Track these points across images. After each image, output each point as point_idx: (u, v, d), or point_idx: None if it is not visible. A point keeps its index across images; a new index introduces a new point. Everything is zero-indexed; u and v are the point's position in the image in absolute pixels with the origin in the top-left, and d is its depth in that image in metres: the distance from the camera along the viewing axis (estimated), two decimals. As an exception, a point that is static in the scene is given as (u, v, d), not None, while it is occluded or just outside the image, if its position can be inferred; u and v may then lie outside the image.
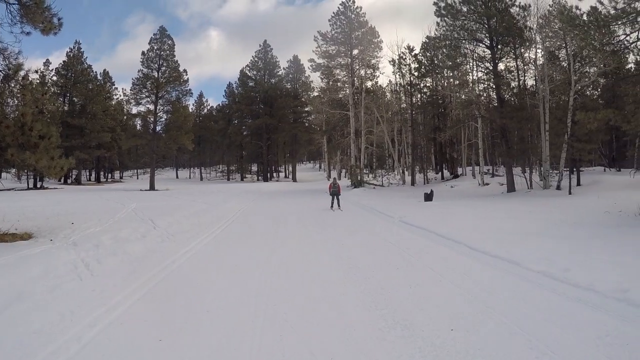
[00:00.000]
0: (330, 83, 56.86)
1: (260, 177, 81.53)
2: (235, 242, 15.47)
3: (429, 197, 29.60)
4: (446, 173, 53.16)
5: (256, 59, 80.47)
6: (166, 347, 6.19)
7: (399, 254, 12.76)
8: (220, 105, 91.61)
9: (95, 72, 73.75)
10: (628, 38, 19.80)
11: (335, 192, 26.80)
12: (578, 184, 32.67)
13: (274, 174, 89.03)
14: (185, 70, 60.31)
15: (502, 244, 13.05)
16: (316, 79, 75.97)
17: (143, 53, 58.77)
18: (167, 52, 59.46)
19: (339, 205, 26.50)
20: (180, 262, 11.90)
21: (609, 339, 6.28)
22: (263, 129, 76.42)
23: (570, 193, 28.35)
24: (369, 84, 52.34)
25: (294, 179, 76.76)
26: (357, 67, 52.17)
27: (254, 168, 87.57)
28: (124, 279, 9.75)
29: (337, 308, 7.89)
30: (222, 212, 24.91)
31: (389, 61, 55.10)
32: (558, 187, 30.93)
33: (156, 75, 57.86)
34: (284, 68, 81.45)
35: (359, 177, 46.05)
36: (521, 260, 11.01)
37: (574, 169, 33.88)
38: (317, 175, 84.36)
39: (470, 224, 17.80)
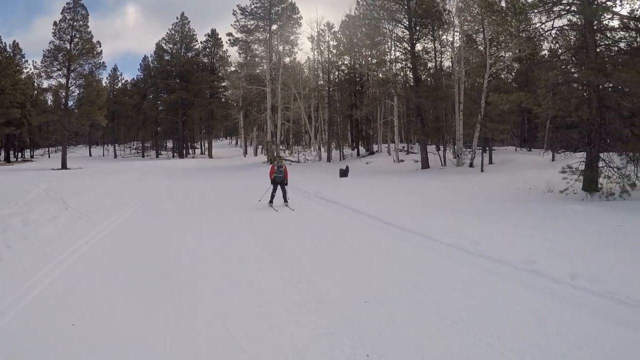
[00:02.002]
0: (248, 58, 56.29)
1: (175, 154, 79.81)
2: (149, 220, 15.24)
3: (344, 173, 29.79)
4: (362, 150, 53.39)
5: (173, 32, 78.04)
6: (79, 332, 6.01)
7: (313, 228, 13.18)
8: (135, 79, 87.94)
9: (4, 43, 69.84)
10: (543, 26, 20.43)
11: (281, 179, 18.13)
12: (490, 162, 33.61)
13: (190, 151, 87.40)
14: (99, 42, 57.55)
15: (414, 218, 13.35)
16: (234, 54, 74.90)
17: (55, 23, 55.67)
18: (81, 22, 56.58)
19: (285, 200, 17.93)
20: (93, 242, 11.57)
21: (518, 307, 6.55)
22: (179, 104, 74.57)
23: (482, 170, 29.20)
24: (287, 60, 52.14)
25: (210, 156, 75.45)
26: (276, 43, 51.85)
27: (170, 145, 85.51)
28: (35, 262, 9.37)
29: (253, 283, 7.97)
30: (136, 191, 24.24)
31: (308, 38, 55.03)
32: (471, 165, 31.81)
33: (68, 47, 55.07)
34: (201, 42, 79.52)
35: (275, 154, 45.84)
36: (433, 234, 11.33)
37: (487, 148, 34.69)
38: (234, 152, 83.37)
39: (384, 199, 18.19)
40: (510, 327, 5.88)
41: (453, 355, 5.24)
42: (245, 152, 72.19)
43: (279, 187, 18.17)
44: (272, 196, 17.99)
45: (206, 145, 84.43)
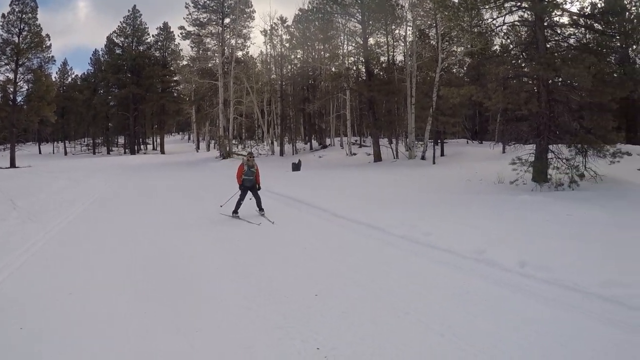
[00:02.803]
0: (201, 52, 55.74)
1: (127, 150, 78.42)
2: (99, 219, 14.90)
3: (296, 167, 29.79)
4: (315, 144, 53.18)
5: (124, 25, 76.22)
6: (27, 335, 5.84)
7: (263, 223, 13.12)
8: (86, 74, 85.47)
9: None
10: (495, 22, 20.68)
11: (252, 183, 14.61)
12: (442, 154, 33.70)
13: (142, 147, 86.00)
14: (48, 36, 55.74)
15: (366, 211, 13.39)
16: (186, 48, 73.83)
17: (3, 16, 53.78)
18: (30, 15, 54.69)
19: (260, 208, 14.45)
20: (42, 243, 11.23)
21: (468, 296, 6.66)
22: (130, 99, 73.08)
23: (434, 163, 29.31)
24: (239, 54, 51.68)
25: (162, 152, 74.39)
26: (228, 37, 51.34)
27: (121, 141, 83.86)
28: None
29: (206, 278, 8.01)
30: (85, 190, 23.52)
31: (261, 32, 54.52)
32: (423, 158, 31.84)
33: (17, 41, 53.51)
34: (153, 36, 78.00)
35: (227, 148, 45.46)
36: (384, 226, 11.41)
37: (439, 141, 34.91)
38: (186, 147, 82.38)
39: (336, 192, 18.14)
40: (460, 316, 5.94)
41: (405, 345, 5.25)
42: (198, 148, 71.59)
43: (248, 192, 14.37)
44: (239, 204, 14.04)
45: (158, 141, 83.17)
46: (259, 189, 14.82)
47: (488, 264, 8.11)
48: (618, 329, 5.57)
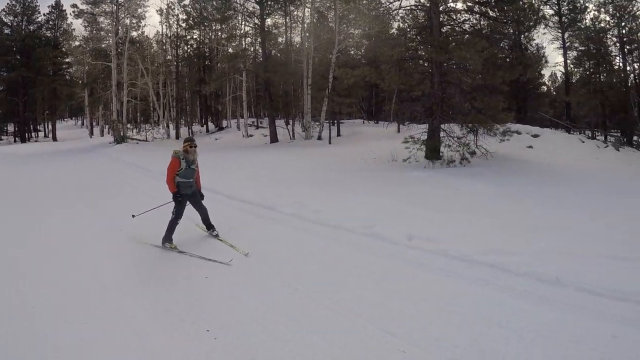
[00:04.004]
0: (94, 32, 53.80)
1: (17, 139, 74.84)
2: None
3: (192, 150, 29.08)
4: (211, 126, 52.25)
5: (14, 3, 72.74)
6: None
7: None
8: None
9: None
10: (392, 5, 20.91)
11: (192, 188, 8.95)
12: (338, 134, 34.07)
13: (33, 134, 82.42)
14: None
15: (258, 191, 13.38)
16: (79, 27, 71.04)
17: None
18: None
19: (208, 225, 9.17)
20: None
21: (357, 270, 6.75)
22: (19, 83, 69.82)
23: (330, 143, 29.34)
24: (134, 34, 50.05)
25: (55, 139, 71.49)
26: (123, 16, 49.68)
27: (11, 128, 79.85)
28: None
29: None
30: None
31: (157, 11, 53.13)
32: (319, 138, 31.89)
33: None
34: (44, 14, 74.54)
35: (121, 133, 44.09)
36: (276, 205, 11.35)
37: (335, 121, 35.24)
38: (80, 133, 79.48)
39: (231, 174, 17.90)
40: (349, 290, 6.04)
41: (293, 321, 5.29)
42: (92, 133, 69.13)
43: (188, 204, 8.86)
44: (174, 226, 8.47)
45: (50, 127, 79.89)
46: (202, 197, 9.24)
47: (377, 239, 8.14)
48: (505, 294, 5.81)
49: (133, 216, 9.10)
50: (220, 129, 49.40)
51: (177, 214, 8.52)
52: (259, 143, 34.20)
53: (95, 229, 9.90)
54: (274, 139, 33.71)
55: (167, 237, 8.38)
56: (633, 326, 4.90)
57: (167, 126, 49.13)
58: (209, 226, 9.12)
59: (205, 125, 52.26)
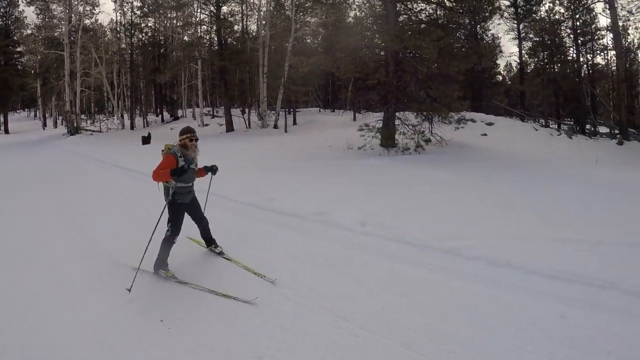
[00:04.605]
0: (47, 19, 52.67)
1: (-32, 133, 72.74)
2: None
3: (146, 140, 28.92)
4: (166, 115, 51.51)
5: (-38, -10, 71.02)
6: None
7: (112, 197, 12.36)
8: None
9: None
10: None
11: (191, 194, 7.07)
12: (294, 123, 33.97)
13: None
14: None
15: (213, 181, 13.10)
16: (31, 15, 69.43)
17: None
18: None
19: (210, 241, 7.23)
20: None
21: (311, 257, 6.81)
22: (-31, 75, 68.25)
23: (286, 131, 29.24)
24: (87, 21, 49.15)
25: (7, 131, 69.88)
26: (76, 3, 48.74)
27: (-37, 123, 77.59)
28: None
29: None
30: None
31: (111, -2, 52.36)
32: (275, 126, 31.74)
33: None
34: (-6, 2, 73.10)
35: (75, 124, 43.28)
36: (230, 194, 11.27)
37: (291, 110, 35.13)
38: (33, 125, 77.96)
39: None
40: (303, 276, 6.07)
41: (250, 306, 5.32)
42: (45, 125, 67.78)
43: (186, 214, 6.88)
44: (169, 245, 6.43)
45: (2, 119, 78.05)
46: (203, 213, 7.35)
47: (330, 225, 8.18)
48: (457, 278, 5.89)
49: (129, 290, 5.68)
50: (176, 119, 48.75)
51: (174, 229, 6.46)
52: (215, 132, 33.93)
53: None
54: (229, 128, 33.45)
55: (161, 262, 6.34)
56: (581, 307, 5.05)
57: (122, 116, 48.32)
58: (210, 241, 7.27)
59: (160, 115, 51.51)
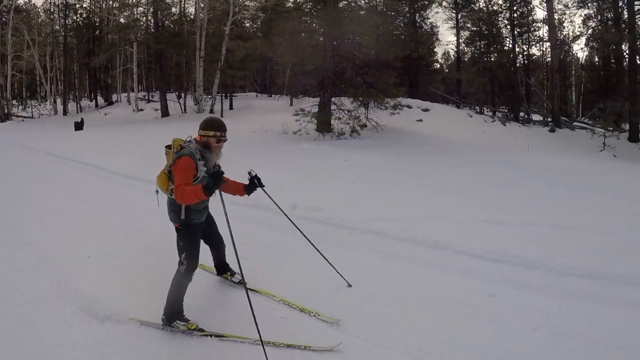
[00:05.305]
0: (-24, -1, 50.92)
1: None
2: None
3: (79, 126, 28.27)
4: (101, 100, 50.28)
5: None
6: None
7: (44, 183, 12.04)
8: None
9: None
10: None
11: (206, 211, 5.10)
12: (231, 108, 33.80)
13: None
14: None
15: (145, 168, 12.95)
16: (-43, -6, 66.86)
17: None
18: None
19: (224, 270, 5.51)
20: None
21: (241, 240, 6.49)
22: None
23: (222, 116, 28.83)
24: (20, 1, 47.58)
25: None
26: (9, -19, 47.29)
27: None
28: None
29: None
30: None
31: (46, -24, 50.77)
32: (211, 111, 31.35)
33: None
34: None
35: (5, 110, 41.93)
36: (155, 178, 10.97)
37: (227, 94, 35.05)
38: (-35, 113, 75.90)
39: (116, 149, 17.62)
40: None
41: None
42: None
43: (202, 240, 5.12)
44: (185, 284, 4.53)
45: None
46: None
47: (261, 209, 8.11)
48: (386, 259, 5.99)
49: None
50: (110, 104, 47.68)
51: (191, 262, 4.62)
52: (150, 117, 33.51)
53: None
54: (165, 113, 33.03)
55: (175, 309, 4.48)
56: (509, 286, 5.17)
57: (55, 102, 46.97)
58: (224, 268, 5.54)
59: (94, 100, 50.26)
